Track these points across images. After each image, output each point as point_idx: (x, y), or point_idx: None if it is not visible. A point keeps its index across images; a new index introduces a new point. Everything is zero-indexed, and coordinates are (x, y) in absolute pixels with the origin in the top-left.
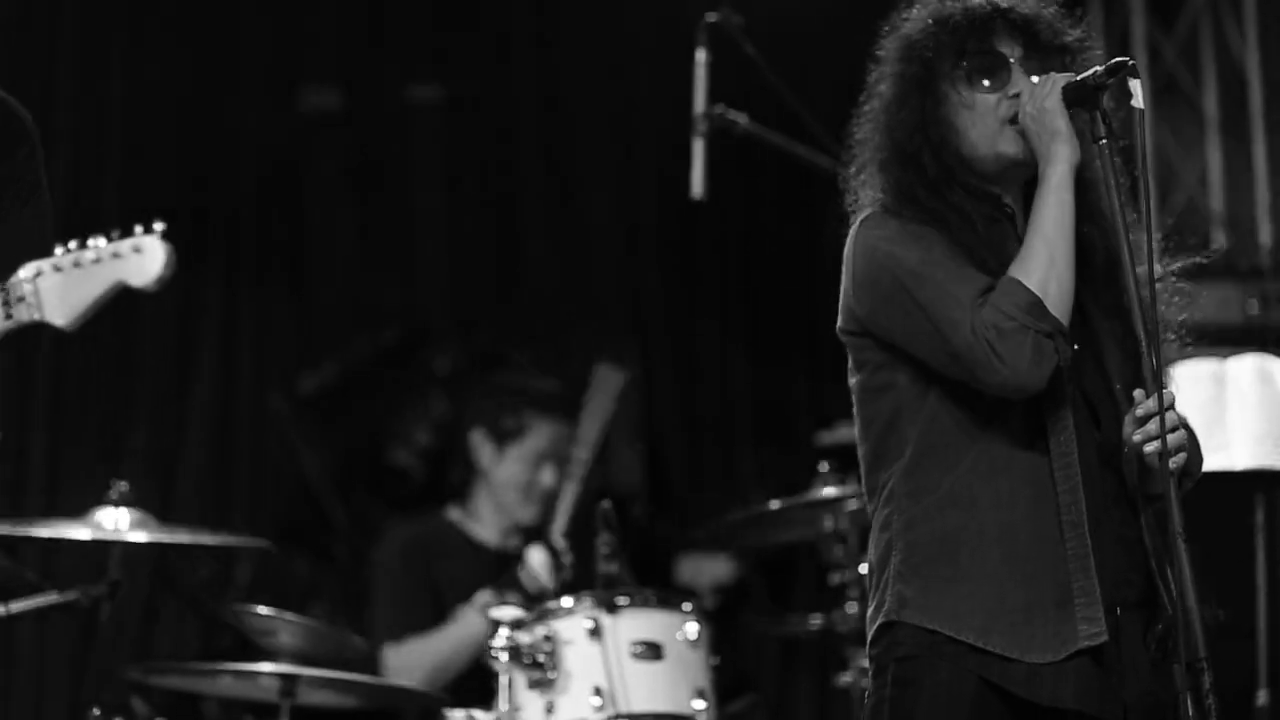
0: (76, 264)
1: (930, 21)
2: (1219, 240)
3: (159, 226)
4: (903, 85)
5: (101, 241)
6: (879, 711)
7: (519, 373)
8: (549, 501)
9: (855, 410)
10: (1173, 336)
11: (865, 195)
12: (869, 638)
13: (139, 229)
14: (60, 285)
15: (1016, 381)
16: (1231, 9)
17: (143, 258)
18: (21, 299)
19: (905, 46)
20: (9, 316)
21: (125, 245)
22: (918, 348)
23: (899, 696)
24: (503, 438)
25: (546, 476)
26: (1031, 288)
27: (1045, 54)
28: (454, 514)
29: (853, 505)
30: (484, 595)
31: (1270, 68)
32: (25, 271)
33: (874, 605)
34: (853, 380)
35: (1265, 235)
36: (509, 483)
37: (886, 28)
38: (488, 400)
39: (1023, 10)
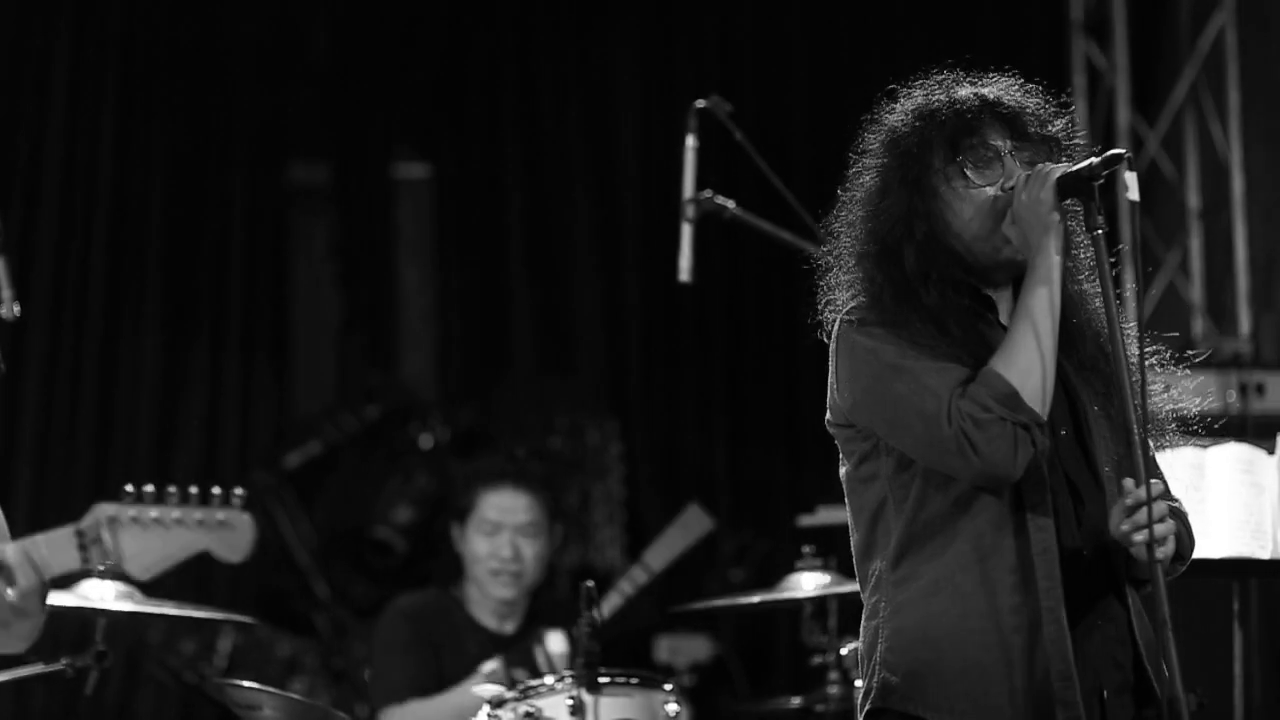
0: (159, 521)
1: (916, 114)
2: (1199, 329)
3: (239, 494)
4: (886, 178)
5: (188, 507)
6: None
7: (487, 455)
8: (520, 576)
9: (846, 500)
10: (1162, 427)
11: (840, 292)
12: None
13: (218, 495)
14: (140, 539)
15: (992, 472)
16: (1214, 101)
17: (232, 534)
18: (98, 542)
19: (890, 140)
20: (85, 561)
21: (213, 516)
22: (898, 439)
23: None
24: (461, 518)
25: (502, 546)
26: (1010, 379)
27: (1033, 145)
28: (458, 591)
29: (834, 589)
30: (491, 664)
31: (1251, 158)
32: (102, 513)
33: (863, 692)
34: (842, 471)
35: (1245, 324)
36: (473, 560)
37: (869, 119)
38: (453, 487)
39: (1009, 102)
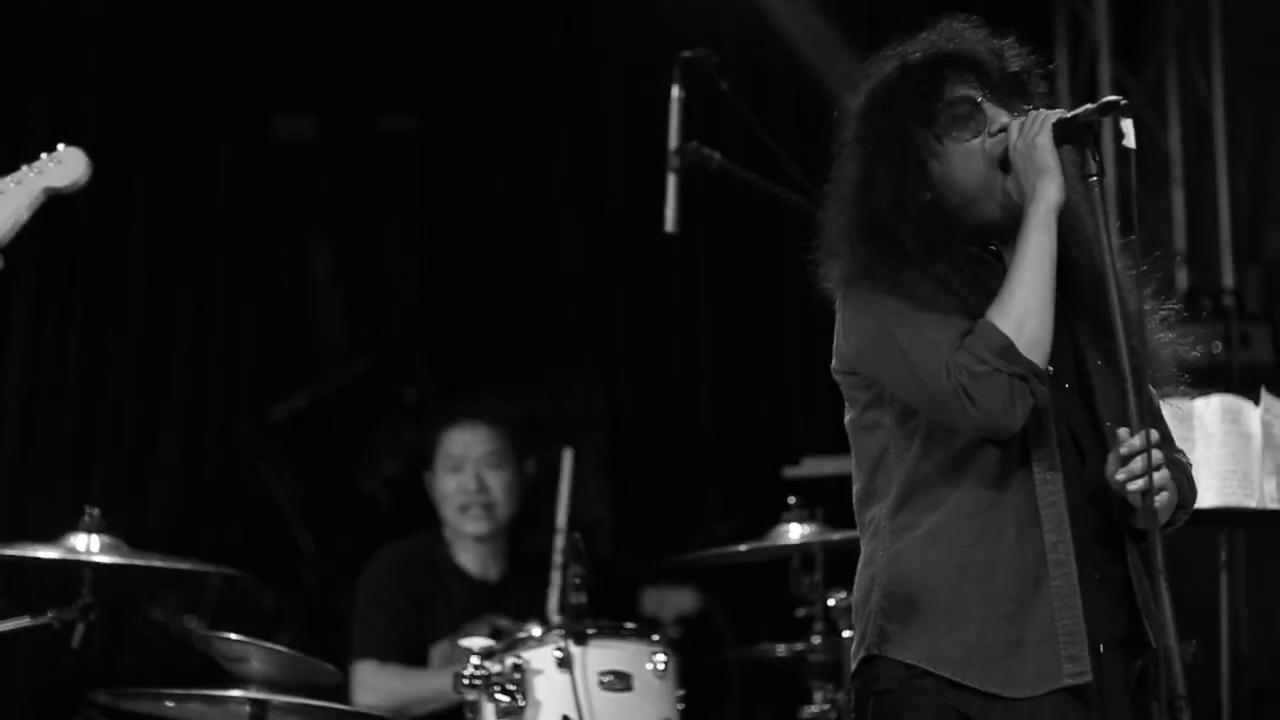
0: (0, 192)
1: (882, 97)
2: (1182, 280)
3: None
4: (869, 167)
5: (18, 171)
6: None
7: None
8: (490, 508)
9: (851, 446)
10: (1173, 375)
11: (837, 270)
12: (851, 670)
13: (60, 145)
14: None
15: (990, 424)
16: (1198, 52)
17: (64, 166)
18: None
19: (865, 130)
20: None
21: (45, 161)
22: (899, 389)
23: None
24: (429, 463)
25: (469, 480)
26: (1005, 330)
27: (1004, 83)
28: (443, 537)
29: (818, 539)
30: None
31: (1235, 110)
32: None
33: (857, 639)
34: (846, 417)
35: (1229, 275)
36: (443, 500)
37: (838, 109)
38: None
39: (964, 49)
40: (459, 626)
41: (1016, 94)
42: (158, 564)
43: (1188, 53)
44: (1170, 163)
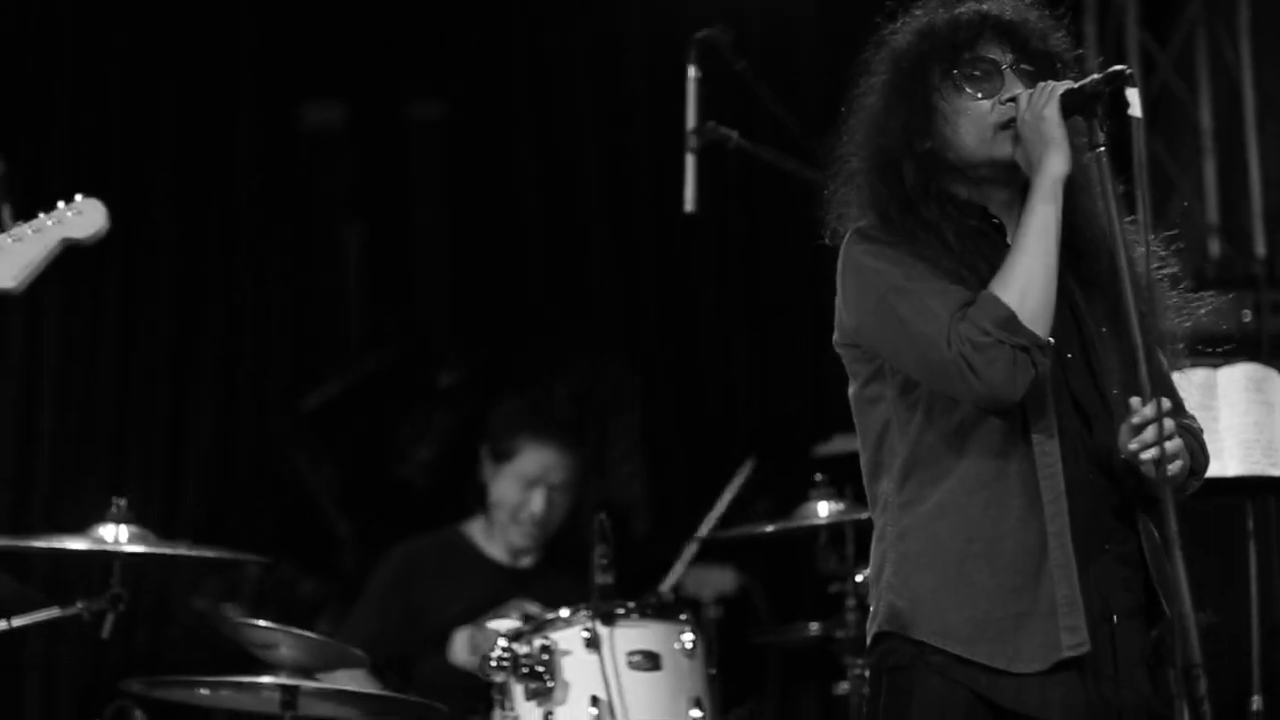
0: (17, 239)
1: (917, 33)
2: (1214, 250)
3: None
4: (888, 96)
5: (37, 219)
6: None
7: (531, 394)
8: (543, 528)
9: (855, 419)
10: (1175, 346)
11: (848, 209)
12: (866, 646)
13: (78, 196)
14: (4, 254)
15: (991, 395)
16: (1226, 21)
17: (83, 217)
18: None
19: (892, 59)
20: None
21: (64, 211)
22: (900, 362)
23: (892, 706)
24: (499, 457)
25: (536, 502)
26: (1008, 302)
27: (1034, 60)
28: (470, 528)
29: (848, 516)
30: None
31: (1264, 79)
32: None
33: (871, 615)
34: (850, 391)
35: (1260, 245)
36: (500, 502)
37: (873, 41)
38: (494, 416)
39: (1010, 16)
40: (484, 613)
41: (1044, 73)
42: (185, 553)
43: (1215, 21)
44: (1200, 133)
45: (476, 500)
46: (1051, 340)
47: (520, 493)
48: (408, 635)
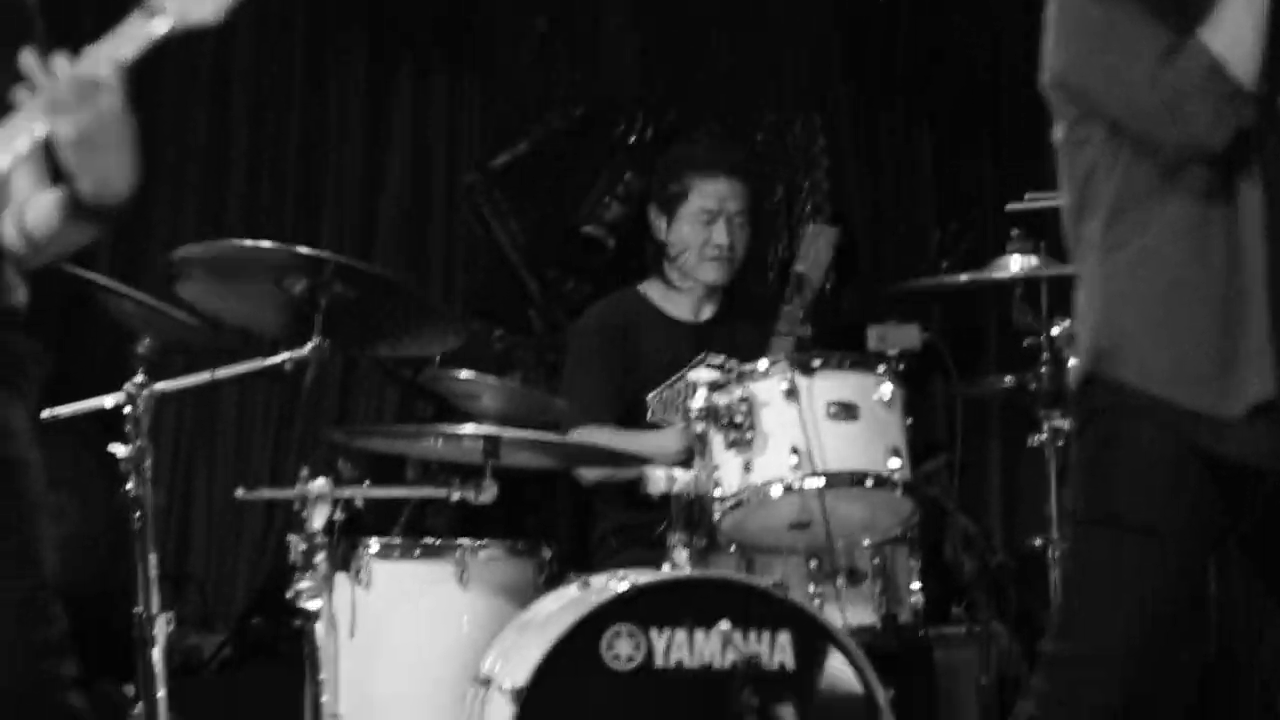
0: None
1: None
2: None
3: None
4: None
5: None
6: (1089, 470)
7: (688, 143)
8: (732, 256)
9: (1060, 162)
10: None
11: None
12: (1072, 392)
13: None
14: None
15: (1194, 143)
16: None
17: None
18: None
19: None
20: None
21: None
22: (1104, 103)
23: (1099, 458)
24: (669, 205)
25: (719, 233)
26: (1216, 49)
27: None
28: (649, 289)
29: (1044, 271)
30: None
31: None
32: None
33: (1078, 359)
34: (1055, 134)
35: None
36: (682, 247)
37: None
38: (657, 174)
39: None
40: (674, 372)
41: None
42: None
43: None
44: None
45: (653, 263)
46: (1258, 91)
47: (702, 230)
48: (630, 386)
